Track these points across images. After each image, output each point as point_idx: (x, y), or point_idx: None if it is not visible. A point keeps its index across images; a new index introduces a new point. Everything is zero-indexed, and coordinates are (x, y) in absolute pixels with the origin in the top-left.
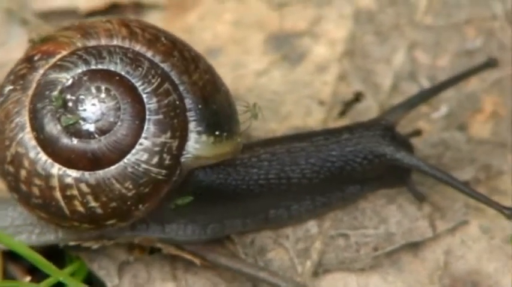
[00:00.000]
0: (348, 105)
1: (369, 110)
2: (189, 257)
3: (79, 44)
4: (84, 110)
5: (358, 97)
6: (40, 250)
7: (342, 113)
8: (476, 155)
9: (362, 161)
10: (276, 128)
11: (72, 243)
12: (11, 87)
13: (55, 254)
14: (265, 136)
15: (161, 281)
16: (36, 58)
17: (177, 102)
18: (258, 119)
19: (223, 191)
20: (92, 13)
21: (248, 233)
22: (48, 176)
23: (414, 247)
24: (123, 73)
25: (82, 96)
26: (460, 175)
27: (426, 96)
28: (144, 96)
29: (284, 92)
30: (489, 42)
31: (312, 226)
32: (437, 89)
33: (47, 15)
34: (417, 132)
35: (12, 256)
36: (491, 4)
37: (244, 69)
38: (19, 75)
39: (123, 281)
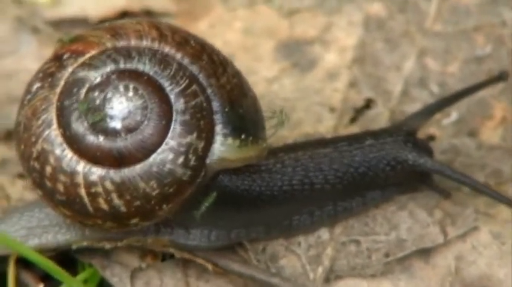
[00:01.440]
0: (358, 112)
1: (379, 116)
2: (202, 262)
3: (108, 44)
4: (112, 108)
5: (368, 104)
6: (53, 258)
7: (353, 120)
8: (486, 161)
9: (385, 167)
10: (287, 135)
11: (85, 243)
12: (38, 84)
13: (68, 261)
14: (276, 143)
15: None
16: (65, 57)
17: (204, 104)
18: (284, 126)
19: (248, 197)
20: (103, 21)
21: (260, 240)
22: (73, 173)
23: (425, 253)
24: (151, 73)
25: (109, 95)
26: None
27: (443, 104)
28: (171, 96)
29: (295, 99)
30: (498, 49)
31: (323, 232)
32: (453, 97)
33: (58, 24)
34: (431, 138)
35: (25, 263)
36: (500, 11)
37: (255, 77)
38: (47, 73)
39: None
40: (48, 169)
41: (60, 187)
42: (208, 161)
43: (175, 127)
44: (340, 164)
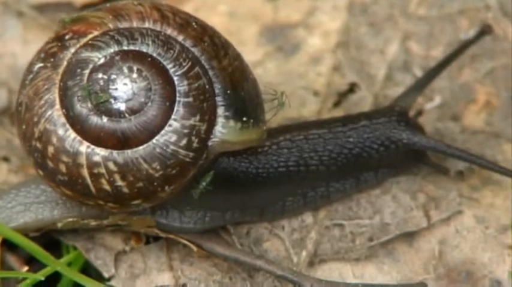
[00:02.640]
0: (342, 96)
1: (363, 100)
2: (187, 243)
3: (110, 25)
4: (116, 89)
5: (352, 88)
6: (37, 240)
7: (336, 104)
8: (470, 145)
9: (379, 148)
10: (271, 120)
11: (70, 219)
12: (41, 64)
13: (52, 244)
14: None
15: (157, 271)
16: (67, 37)
17: (207, 87)
18: (284, 108)
19: (244, 179)
20: (87, 6)
21: (244, 224)
22: (76, 154)
23: (409, 237)
24: (154, 55)
25: (114, 76)
26: (454, 165)
27: (432, 74)
28: (175, 78)
29: (279, 83)
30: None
31: (307, 216)
32: (442, 64)
33: (42, 8)
34: (419, 113)
35: (10, 246)
36: None
37: None
38: (49, 53)
39: (120, 271)
40: (51, 149)
41: (63, 167)
42: (210, 143)
43: (179, 109)
44: (335, 145)
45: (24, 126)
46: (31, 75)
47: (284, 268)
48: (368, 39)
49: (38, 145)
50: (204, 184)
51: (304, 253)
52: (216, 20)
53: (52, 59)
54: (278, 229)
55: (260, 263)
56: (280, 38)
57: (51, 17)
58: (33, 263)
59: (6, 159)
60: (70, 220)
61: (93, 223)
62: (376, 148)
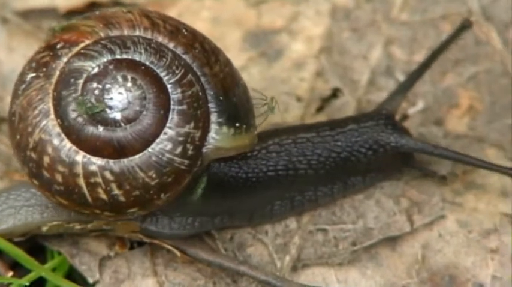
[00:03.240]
0: (325, 102)
1: (346, 106)
2: (171, 248)
3: (101, 34)
4: (111, 98)
5: (335, 93)
6: (22, 245)
7: (320, 109)
8: (453, 149)
9: (367, 152)
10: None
11: (55, 223)
12: (33, 74)
13: (37, 249)
14: None
15: (142, 276)
16: (58, 46)
17: (200, 94)
18: (274, 113)
19: (234, 184)
20: (71, 12)
21: (228, 229)
22: (72, 163)
23: (392, 241)
24: (147, 63)
25: (108, 85)
26: (437, 170)
27: (416, 76)
28: (168, 86)
29: (262, 89)
30: (465, 37)
31: (290, 221)
32: (425, 65)
33: (27, 14)
34: (404, 117)
35: None
36: (467, 0)
37: None
38: (41, 62)
39: (104, 276)
40: (46, 159)
41: (59, 177)
42: (204, 150)
43: (173, 117)
44: (323, 149)
45: (18, 136)
46: (23, 85)
47: (267, 273)
48: (351, 44)
49: (33, 155)
50: (200, 189)
51: (287, 258)
52: (199, 26)
53: (44, 69)
54: (262, 234)
55: (244, 268)
56: (263, 44)
57: (35, 23)
58: (18, 268)
59: None
60: (55, 223)
61: (77, 226)
62: (364, 152)
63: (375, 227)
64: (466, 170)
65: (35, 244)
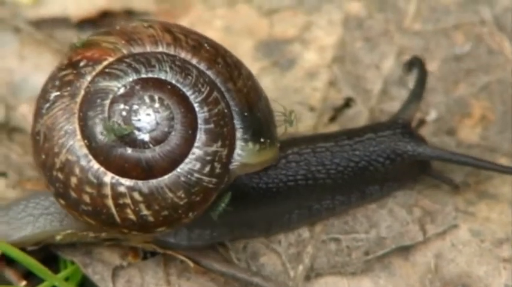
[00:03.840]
0: (338, 111)
1: (358, 115)
2: (184, 258)
3: (124, 51)
4: (139, 120)
5: (348, 103)
6: (35, 255)
7: (332, 119)
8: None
9: (385, 161)
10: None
11: (69, 231)
12: (57, 93)
13: (50, 259)
14: None
15: (155, 286)
16: (81, 64)
17: (226, 111)
18: (292, 126)
19: (254, 194)
20: (84, 21)
21: (241, 239)
22: (100, 185)
23: (405, 250)
24: (173, 82)
25: (136, 106)
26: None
27: (423, 79)
28: (195, 105)
29: (275, 98)
30: (478, 47)
31: (303, 231)
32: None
33: (39, 23)
34: (421, 122)
35: (8, 260)
36: (479, 9)
37: None
38: (65, 81)
39: (117, 285)
40: (74, 180)
41: (86, 198)
42: (231, 167)
43: (201, 136)
44: (341, 158)
45: (43, 156)
46: (47, 104)
47: (280, 284)
48: (363, 54)
49: (60, 176)
50: (223, 205)
51: (300, 267)
52: (212, 35)
53: (69, 88)
54: (275, 244)
55: (257, 280)
56: (276, 53)
57: (47, 32)
58: (31, 277)
59: (3, 174)
60: (70, 231)
61: (91, 234)
62: (382, 161)
63: (387, 236)
64: (478, 180)
65: (48, 253)
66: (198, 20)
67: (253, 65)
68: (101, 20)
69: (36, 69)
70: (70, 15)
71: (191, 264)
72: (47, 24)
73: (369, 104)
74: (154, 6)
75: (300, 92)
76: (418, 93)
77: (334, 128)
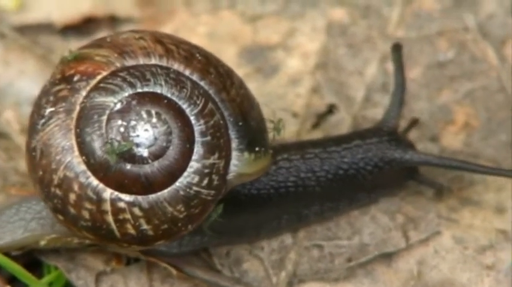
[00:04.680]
0: (321, 118)
1: (342, 122)
2: (167, 265)
3: (118, 64)
4: (137, 136)
5: (331, 109)
6: (19, 260)
7: (315, 125)
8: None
9: (373, 170)
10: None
11: (54, 235)
12: (52, 109)
13: (34, 264)
14: None
15: None
16: (75, 79)
17: (221, 122)
18: (280, 135)
19: (246, 201)
20: (67, 27)
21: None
22: (100, 201)
23: (388, 257)
24: (169, 95)
25: (133, 122)
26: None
27: (401, 84)
28: (191, 118)
29: (260, 104)
30: (461, 54)
31: (286, 237)
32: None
33: (23, 29)
34: (415, 122)
35: None
36: (463, 16)
37: None
38: (60, 96)
39: None
40: (72, 196)
41: (86, 214)
42: (228, 178)
43: (198, 149)
44: (330, 165)
45: (41, 172)
46: (43, 120)
47: None
48: (347, 60)
49: (58, 192)
50: (215, 215)
51: (283, 274)
52: (196, 41)
53: (64, 103)
54: (257, 250)
55: None
56: (259, 59)
57: (31, 38)
58: (15, 283)
59: None
60: (54, 236)
61: (76, 240)
62: (370, 170)
63: (370, 243)
64: (461, 187)
65: (32, 258)
66: (182, 26)
67: (237, 71)
68: (85, 25)
69: (20, 74)
70: (54, 21)
71: (174, 271)
72: (31, 30)
73: (352, 110)
74: (138, 13)
75: (283, 99)
76: (399, 98)
77: (317, 134)
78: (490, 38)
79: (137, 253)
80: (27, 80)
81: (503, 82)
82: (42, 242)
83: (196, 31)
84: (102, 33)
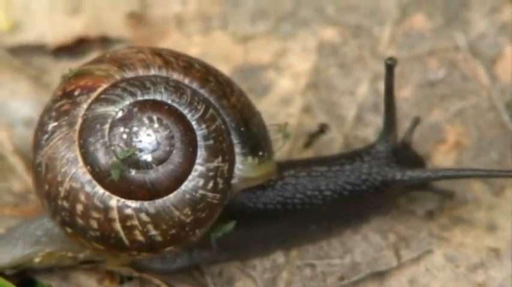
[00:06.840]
0: (312, 137)
1: (333, 141)
2: (160, 283)
3: (117, 77)
4: (140, 141)
5: (322, 129)
6: (12, 279)
7: (307, 145)
8: (440, 184)
9: (376, 193)
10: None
11: (48, 250)
12: (55, 123)
13: (27, 283)
14: None
15: None
16: (76, 93)
17: (223, 127)
18: (289, 139)
19: (251, 215)
20: (60, 48)
21: (217, 264)
22: (107, 209)
23: (379, 276)
24: (169, 102)
25: (136, 128)
26: (424, 205)
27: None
28: (193, 123)
29: None
30: (452, 73)
31: (278, 256)
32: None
33: (16, 50)
34: (417, 121)
35: None
36: (454, 35)
37: None
38: (62, 111)
39: None
40: (79, 207)
41: (94, 224)
42: (233, 181)
43: (202, 153)
44: (335, 185)
45: (47, 187)
46: (46, 135)
47: None
48: (338, 80)
49: (65, 204)
50: (226, 230)
51: None
52: None
53: (66, 117)
54: (250, 269)
55: None
56: (251, 79)
57: (24, 59)
58: None
59: None
60: (48, 251)
61: (70, 254)
62: (373, 192)
63: (362, 262)
64: (452, 206)
65: (25, 277)
66: (175, 47)
67: None
68: (78, 46)
69: (12, 95)
70: (47, 42)
71: None
72: (24, 51)
73: (343, 130)
74: (130, 34)
75: (274, 118)
76: (393, 119)
77: (308, 154)
78: (481, 57)
79: (130, 271)
80: (20, 100)
81: (494, 101)
82: (37, 260)
83: (189, 52)
84: (94, 54)
